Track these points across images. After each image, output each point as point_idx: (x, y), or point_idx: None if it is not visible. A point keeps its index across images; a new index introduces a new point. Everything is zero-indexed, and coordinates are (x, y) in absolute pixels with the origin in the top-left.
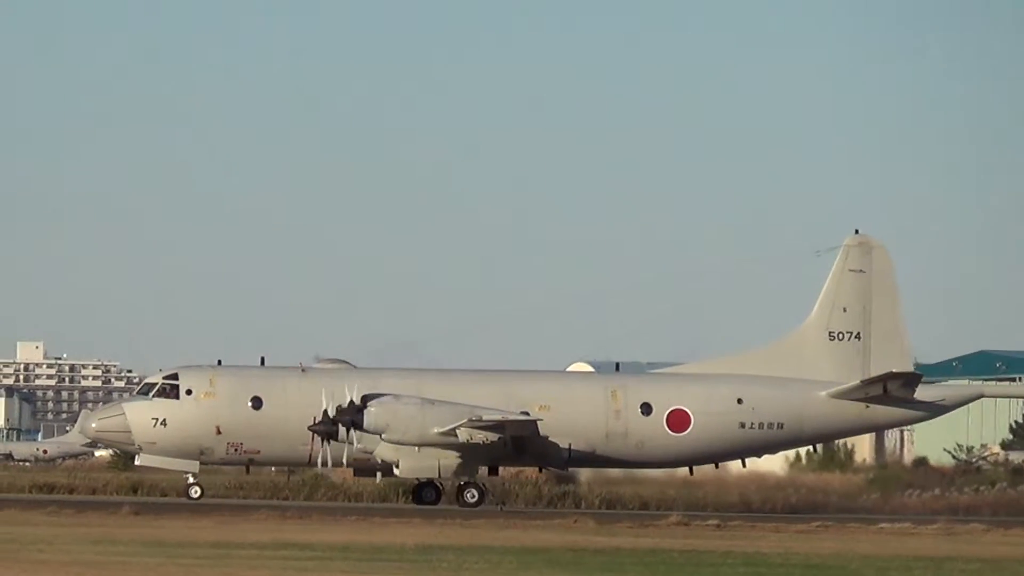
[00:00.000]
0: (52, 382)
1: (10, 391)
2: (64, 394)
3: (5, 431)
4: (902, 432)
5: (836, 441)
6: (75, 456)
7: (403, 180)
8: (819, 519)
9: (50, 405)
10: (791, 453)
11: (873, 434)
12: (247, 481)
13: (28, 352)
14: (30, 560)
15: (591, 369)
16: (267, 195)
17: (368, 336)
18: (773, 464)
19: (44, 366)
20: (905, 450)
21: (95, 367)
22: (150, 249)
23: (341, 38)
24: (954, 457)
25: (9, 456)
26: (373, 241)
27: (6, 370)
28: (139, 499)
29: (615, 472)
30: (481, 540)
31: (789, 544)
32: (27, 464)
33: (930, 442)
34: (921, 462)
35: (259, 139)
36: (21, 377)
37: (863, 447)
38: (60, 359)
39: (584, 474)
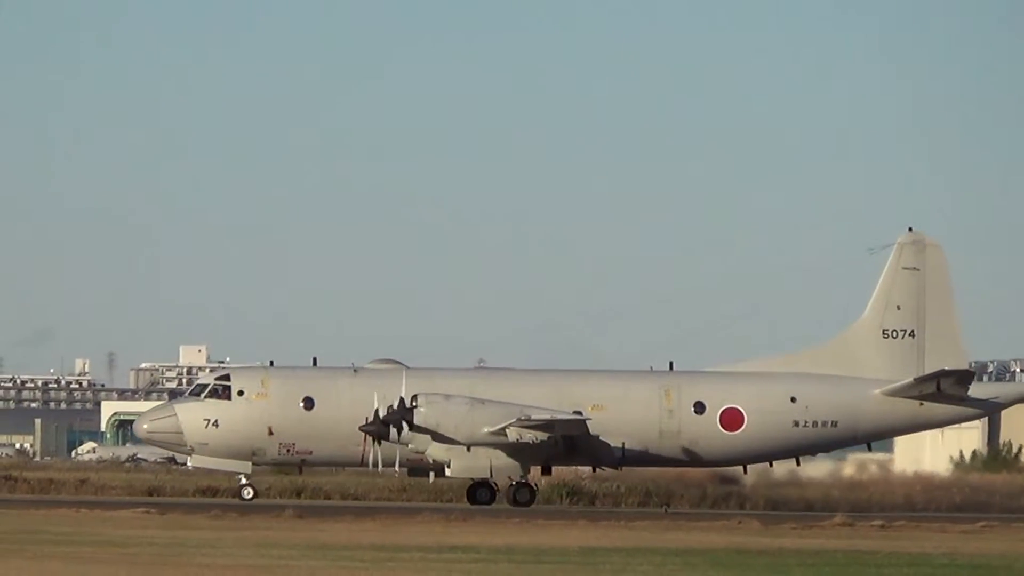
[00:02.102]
0: None
1: (173, 394)
2: None
3: None
4: None
5: (1002, 441)
6: None
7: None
8: (984, 519)
9: None
10: (956, 453)
11: None
12: (410, 484)
13: (191, 355)
14: (194, 564)
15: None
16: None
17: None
18: (937, 464)
19: (207, 370)
20: None
21: None
22: (301, 253)
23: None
24: None
25: (172, 460)
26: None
27: (169, 374)
28: (303, 502)
29: (780, 473)
30: (645, 542)
31: (954, 544)
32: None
33: None
34: None
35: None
36: (184, 380)
37: None
38: (223, 362)
39: (749, 475)
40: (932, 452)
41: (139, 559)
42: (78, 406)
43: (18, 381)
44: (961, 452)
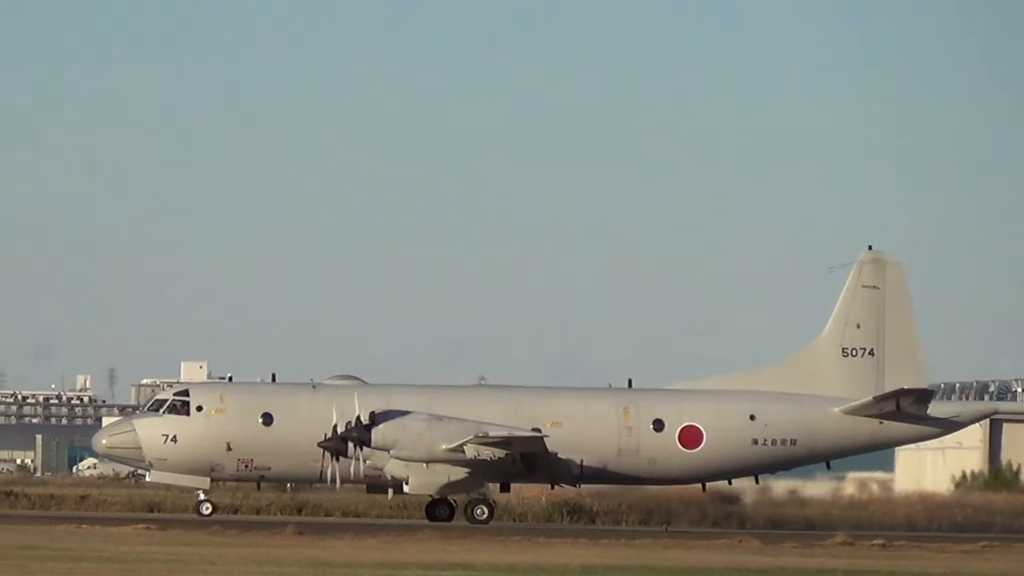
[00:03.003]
0: None
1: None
2: None
3: None
4: None
5: (1003, 461)
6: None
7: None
8: (985, 539)
9: None
10: (957, 473)
11: None
12: (410, 501)
13: (192, 372)
14: None
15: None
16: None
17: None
18: (939, 484)
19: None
20: None
21: None
22: (306, 267)
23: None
24: None
25: None
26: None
27: (170, 390)
28: (303, 519)
29: (780, 491)
30: (646, 560)
31: (955, 564)
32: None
33: None
34: None
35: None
36: None
37: None
38: (223, 379)
39: (748, 494)
40: (933, 471)
41: (140, 575)
42: (79, 422)
43: (19, 396)
44: (963, 472)
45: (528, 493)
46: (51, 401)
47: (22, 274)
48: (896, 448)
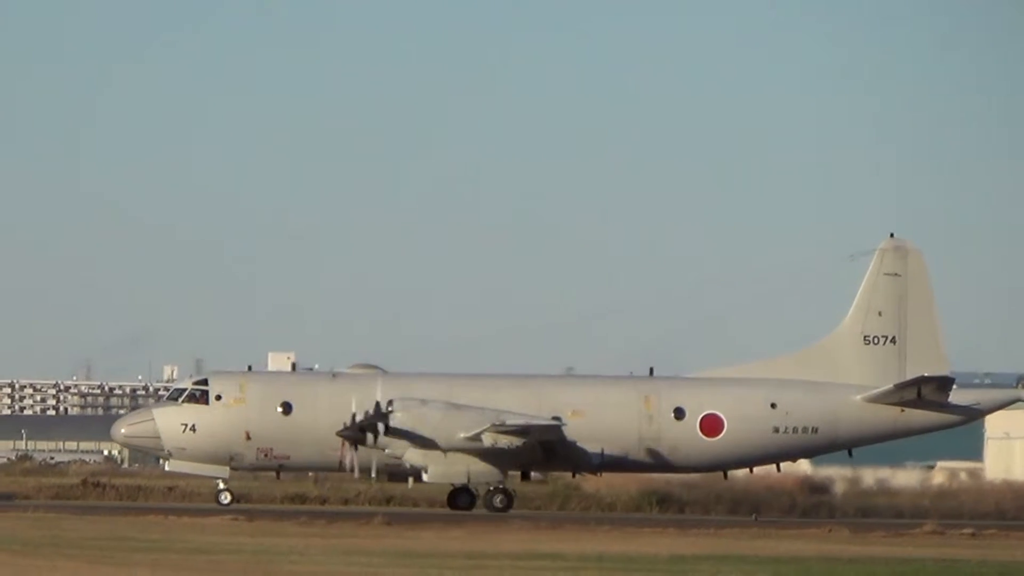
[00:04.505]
0: None
1: None
2: None
3: None
4: None
5: None
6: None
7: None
8: None
9: None
10: None
11: None
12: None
13: (279, 363)
14: (282, 571)
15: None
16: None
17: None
18: None
19: None
20: None
21: None
22: (391, 260)
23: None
24: None
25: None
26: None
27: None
28: (392, 509)
29: (870, 481)
30: (735, 550)
31: None
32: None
33: None
34: None
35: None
36: None
37: None
38: (310, 370)
39: (838, 484)
40: (1023, 460)
41: (227, 566)
42: None
43: (106, 388)
44: None
45: (617, 483)
46: (138, 392)
47: (110, 265)
48: (986, 437)
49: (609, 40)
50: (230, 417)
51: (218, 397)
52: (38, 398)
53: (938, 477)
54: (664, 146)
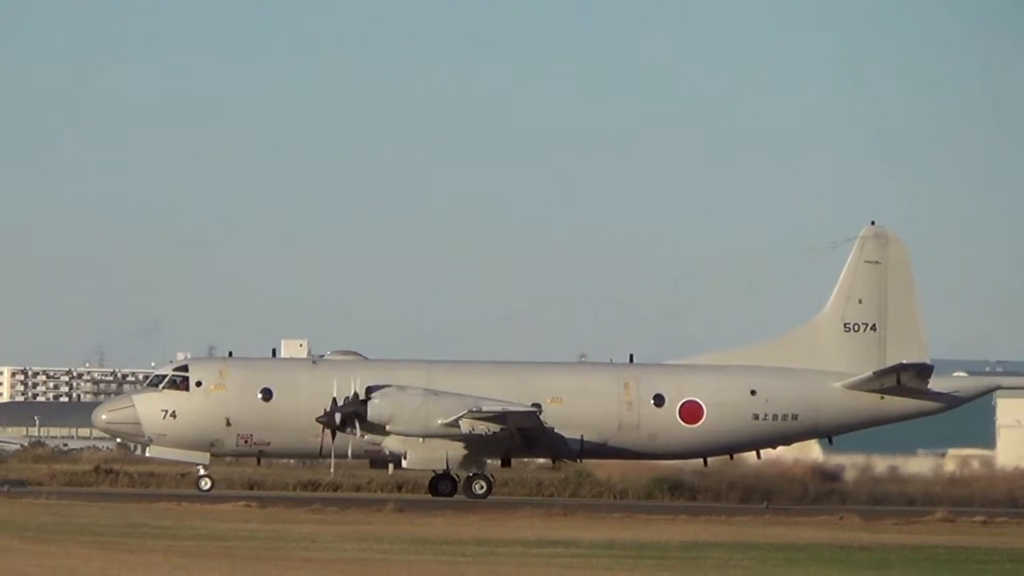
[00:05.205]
0: None
1: None
2: None
3: None
4: None
5: None
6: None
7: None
8: None
9: None
10: None
11: None
12: (511, 478)
13: (292, 349)
14: (294, 558)
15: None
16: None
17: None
18: None
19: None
20: None
21: None
22: (400, 249)
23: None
24: None
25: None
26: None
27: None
28: (403, 496)
29: (881, 469)
30: (746, 537)
31: None
32: (291, 462)
33: None
34: None
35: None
36: None
37: None
38: (324, 356)
39: (850, 471)
40: None
41: (239, 553)
42: None
43: (119, 375)
44: None
45: (629, 470)
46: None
47: (124, 253)
48: (998, 424)
49: (593, 36)
50: (210, 403)
51: (198, 383)
52: (51, 385)
53: (950, 464)
54: (647, 134)
